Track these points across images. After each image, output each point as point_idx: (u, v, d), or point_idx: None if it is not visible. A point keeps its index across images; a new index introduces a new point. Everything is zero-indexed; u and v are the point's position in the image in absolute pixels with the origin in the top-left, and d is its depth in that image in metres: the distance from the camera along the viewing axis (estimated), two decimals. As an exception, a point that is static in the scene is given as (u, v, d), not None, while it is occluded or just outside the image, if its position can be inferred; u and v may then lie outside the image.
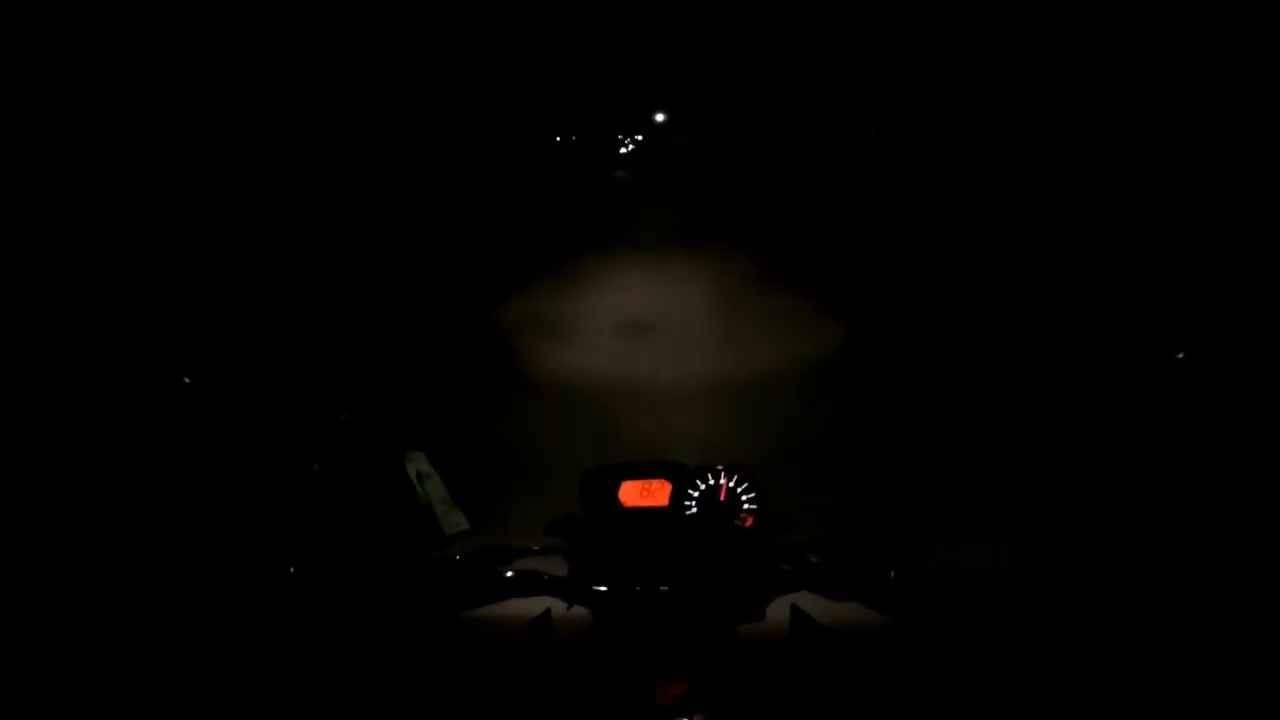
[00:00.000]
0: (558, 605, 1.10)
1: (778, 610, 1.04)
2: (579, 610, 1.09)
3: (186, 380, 1.44)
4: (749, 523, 1.22)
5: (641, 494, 1.26)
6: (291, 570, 1.00)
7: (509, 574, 1.11)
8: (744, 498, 1.25)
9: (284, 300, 3.83)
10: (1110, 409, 2.48)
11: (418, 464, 1.30)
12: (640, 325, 5.01)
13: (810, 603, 1.03)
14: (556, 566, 1.15)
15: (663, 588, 1.06)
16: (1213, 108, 2.81)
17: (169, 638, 1.09)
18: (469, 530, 1.30)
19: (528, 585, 1.11)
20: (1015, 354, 3.47)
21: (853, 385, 3.83)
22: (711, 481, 1.27)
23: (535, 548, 1.18)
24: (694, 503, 1.26)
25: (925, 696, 0.90)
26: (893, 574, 1.01)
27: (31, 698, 1.14)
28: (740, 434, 3.46)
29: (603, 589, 1.09)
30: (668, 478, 1.28)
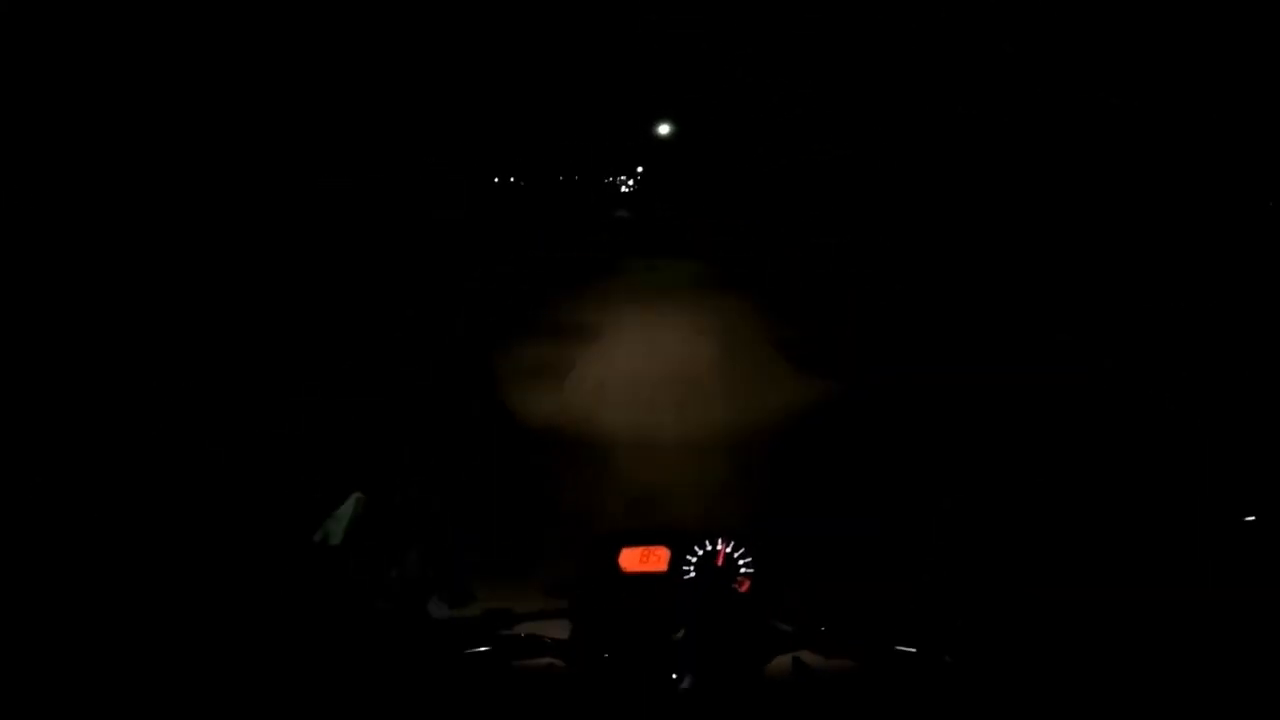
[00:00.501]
0: (559, 666, 1.11)
1: (778, 670, 1.06)
2: (581, 671, 1.10)
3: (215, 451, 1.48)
4: (745, 587, 1.25)
5: (641, 560, 1.30)
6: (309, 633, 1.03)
7: (513, 636, 1.13)
8: (741, 563, 1.29)
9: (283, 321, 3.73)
10: (1110, 409, 2.49)
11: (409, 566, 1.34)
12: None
13: (808, 662, 1.06)
14: (559, 629, 1.17)
15: (664, 651, 1.08)
16: (1213, 108, 2.93)
17: (169, 648, 1.09)
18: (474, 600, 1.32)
19: (532, 647, 1.12)
20: (1012, 355, 3.46)
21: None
22: (709, 547, 1.31)
23: (538, 610, 1.19)
24: (692, 568, 1.29)
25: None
26: (891, 640, 1.04)
27: (31, 697, 1.11)
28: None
29: (606, 653, 1.11)
30: (667, 544, 1.31)
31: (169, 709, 1.03)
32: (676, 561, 1.29)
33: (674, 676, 1.04)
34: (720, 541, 1.31)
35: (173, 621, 1.12)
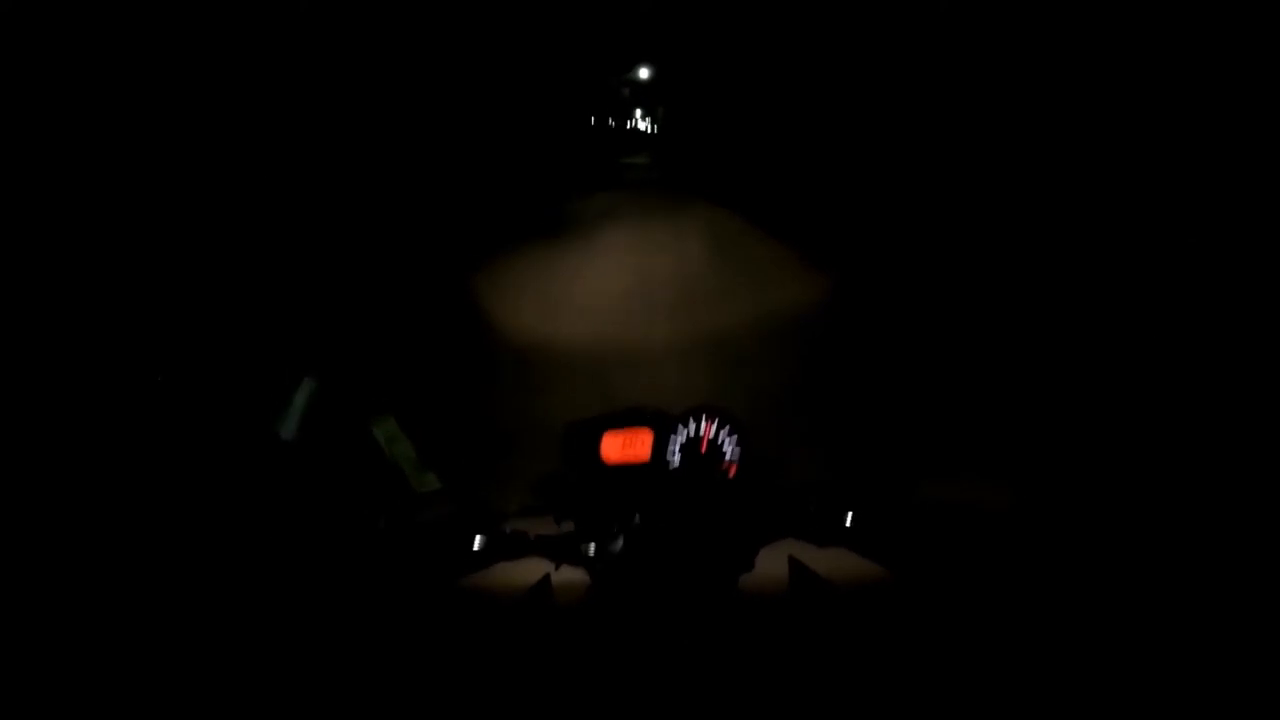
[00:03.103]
0: (546, 566, 1.09)
1: (769, 560, 1.06)
2: (569, 570, 1.09)
3: (159, 378, 1.35)
4: (732, 471, 1.22)
5: (624, 446, 1.25)
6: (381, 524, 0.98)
7: (494, 537, 1.09)
8: (726, 445, 1.25)
9: (247, 257, 3.59)
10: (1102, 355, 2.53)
11: (385, 427, 1.27)
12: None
13: (799, 551, 1.05)
14: (543, 526, 1.14)
15: (650, 543, 1.06)
16: (1213, 107, 2.78)
17: (160, 614, 1.05)
18: (441, 490, 1.27)
19: (515, 547, 1.10)
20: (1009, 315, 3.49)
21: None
22: (693, 428, 1.26)
23: (519, 508, 1.16)
24: (676, 453, 1.25)
25: (923, 642, 0.93)
26: (884, 524, 1.03)
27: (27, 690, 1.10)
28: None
29: (591, 547, 1.09)
30: (649, 425, 1.26)
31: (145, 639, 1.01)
32: (660, 447, 1.25)
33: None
34: (705, 422, 1.26)
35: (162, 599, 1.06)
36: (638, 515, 1.09)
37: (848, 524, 1.02)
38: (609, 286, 5.07)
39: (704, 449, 1.24)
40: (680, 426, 1.27)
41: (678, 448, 1.25)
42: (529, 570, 1.08)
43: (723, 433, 1.26)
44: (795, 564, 1.02)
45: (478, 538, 1.06)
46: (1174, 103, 2.97)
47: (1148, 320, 2.45)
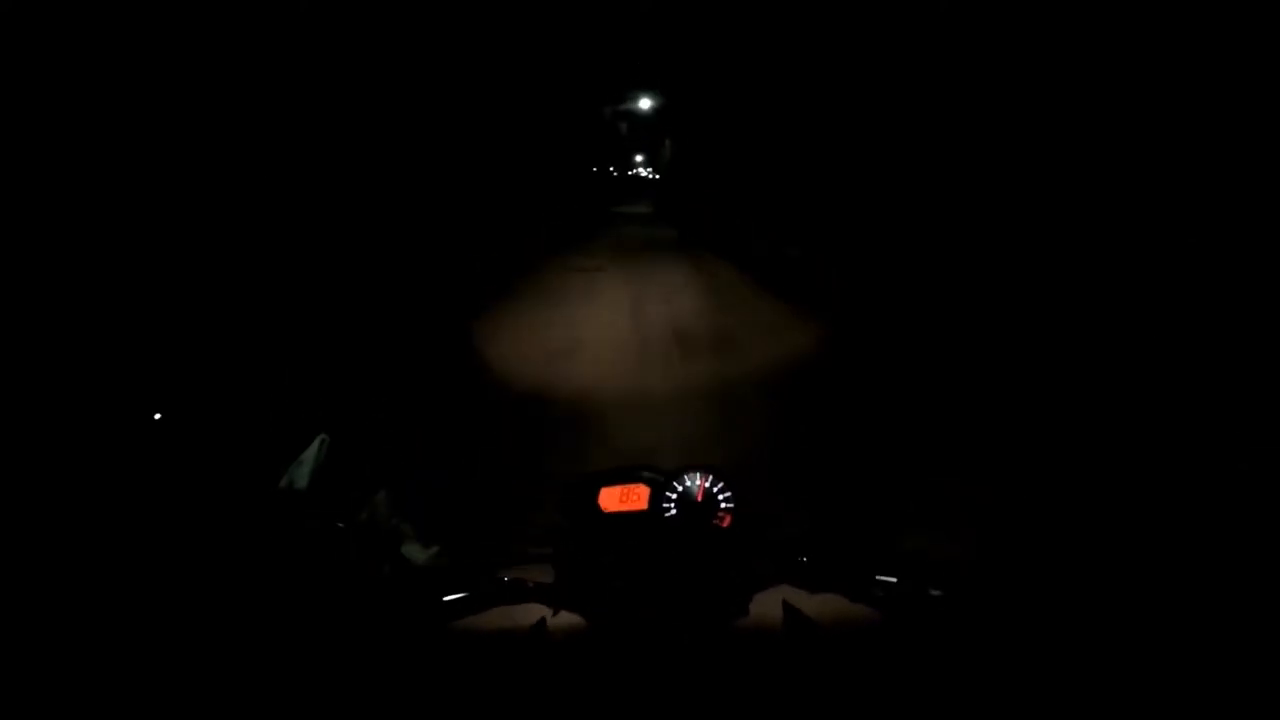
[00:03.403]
0: (545, 612, 1.11)
1: (763, 606, 1.08)
2: (566, 616, 1.11)
3: (157, 417, 1.40)
4: (726, 522, 1.25)
5: (621, 499, 1.28)
6: (277, 583, 0.99)
7: (495, 582, 1.12)
8: (721, 498, 1.28)
9: (255, 308, 3.70)
10: (1082, 408, 2.59)
11: (377, 508, 1.30)
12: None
13: (792, 597, 1.07)
14: (542, 574, 1.16)
15: (647, 591, 1.09)
16: (1213, 106, 2.93)
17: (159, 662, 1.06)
18: (443, 556, 1.30)
19: (514, 593, 1.12)
20: (991, 347, 3.58)
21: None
22: (689, 484, 1.29)
23: (519, 555, 1.18)
24: (673, 505, 1.28)
25: (913, 685, 0.94)
26: (872, 571, 1.06)
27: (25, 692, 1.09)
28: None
29: (589, 594, 1.11)
30: (646, 482, 1.30)
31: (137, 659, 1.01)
32: (656, 499, 1.28)
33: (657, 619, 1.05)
34: (699, 477, 1.30)
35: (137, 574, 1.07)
36: (635, 561, 1.12)
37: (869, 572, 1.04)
38: (606, 335, 5.16)
39: (700, 499, 1.27)
40: (676, 482, 1.31)
41: (674, 499, 1.28)
42: (527, 615, 1.09)
43: (717, 488, 1.30)
44: (789, 608, 1.05)
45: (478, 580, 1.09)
46: (1175, 104, 3.10)
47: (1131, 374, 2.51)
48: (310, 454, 1.27)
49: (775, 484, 1.50)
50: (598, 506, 1.27)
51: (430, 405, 3.64)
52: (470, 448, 3.24)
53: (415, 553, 1.31)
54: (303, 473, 1.22)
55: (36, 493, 1.47)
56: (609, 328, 5.62)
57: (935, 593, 1.00)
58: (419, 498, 1.40)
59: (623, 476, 1.30)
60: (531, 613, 1.11)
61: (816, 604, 1.05)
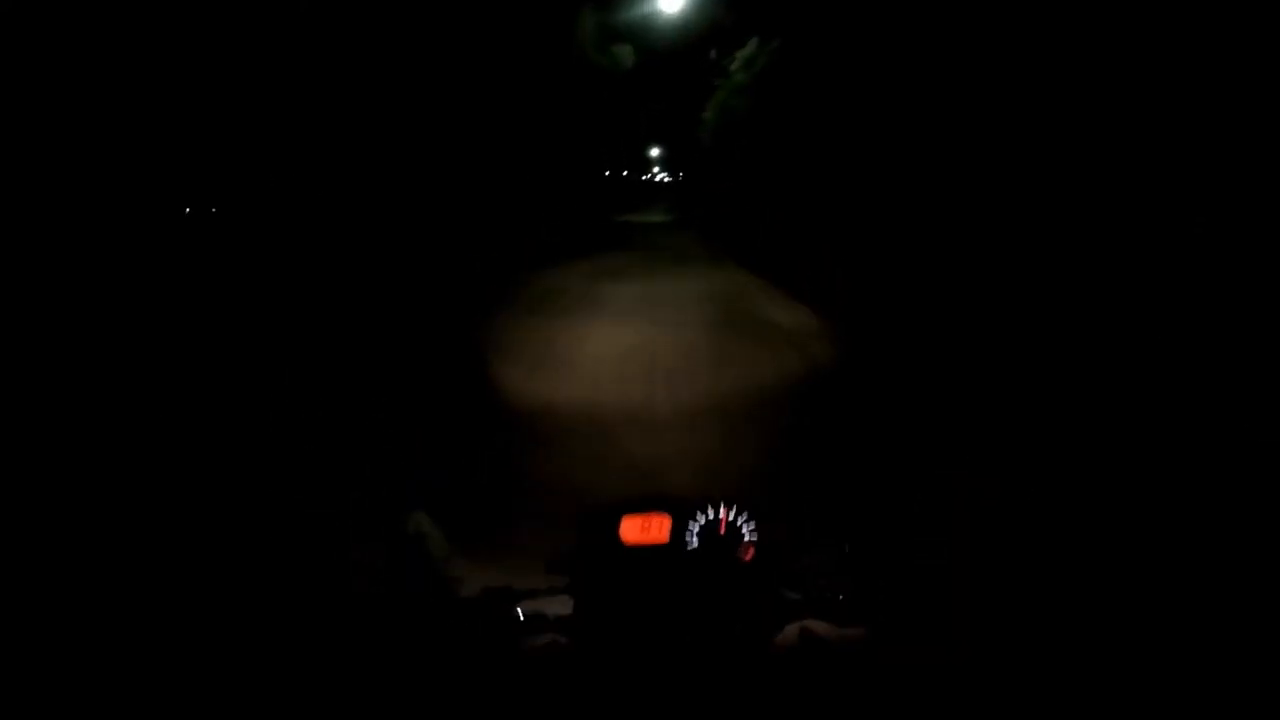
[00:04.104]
0: (564, 643, 1.09)
1: (788, 638, 1.05)
2: (586, 647, 1.08)
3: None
4: (749, 555, 1.22)
5: (642, 529, 1.26)
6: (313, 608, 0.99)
7: (515, 615, 1.10)
8: (744, 530, 1.26)
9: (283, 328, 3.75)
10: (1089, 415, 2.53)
11: (419, 522, 1.30)
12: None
13: (817, 629, 1.04)
14: (561, 605, 1.14)
15: (669, 625, 1.06)
16: (1213, 105, 2.92)
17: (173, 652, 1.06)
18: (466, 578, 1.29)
19: (535, 625, 1.10)
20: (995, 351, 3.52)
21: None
22: (711, 515, 1.27)
23: (539, 588, 1.16)
24: (695, 538, 1.26)
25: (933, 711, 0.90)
26: (898, 602, 1.03)
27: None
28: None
29: (610, 628, 1.08)
30: (667, 511, 1.28)
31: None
32: (678, 530, 1.26)
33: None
34: (722, 508, 1.27)
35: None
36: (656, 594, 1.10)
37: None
38: (613, 351, 5.02)
39: (722, 531, 1.25)
40: (699, 512, 1.29)
41: (697, 530, 1.26)
42: (546, 647, 1.07)
43: (740, 518, 1.27)
44: (814, 641, 1.01)
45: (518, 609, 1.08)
46: (1175, 108, 3.06)
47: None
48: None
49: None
50: (618, 538, 1.25)
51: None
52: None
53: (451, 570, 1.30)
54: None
55: (40, 490, 1.49)
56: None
57: (960, 626, 0.96)
58: (419, 497, 1.40)
59: (644, 505, 1.29)
60: (551, 647, 1.09)
61: (843, 636, 1.01)
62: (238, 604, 1.01)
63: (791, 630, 1.05)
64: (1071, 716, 0.82)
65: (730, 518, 1.27)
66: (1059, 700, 0.84)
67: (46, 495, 1.48)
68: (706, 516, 1.27)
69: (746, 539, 1.24)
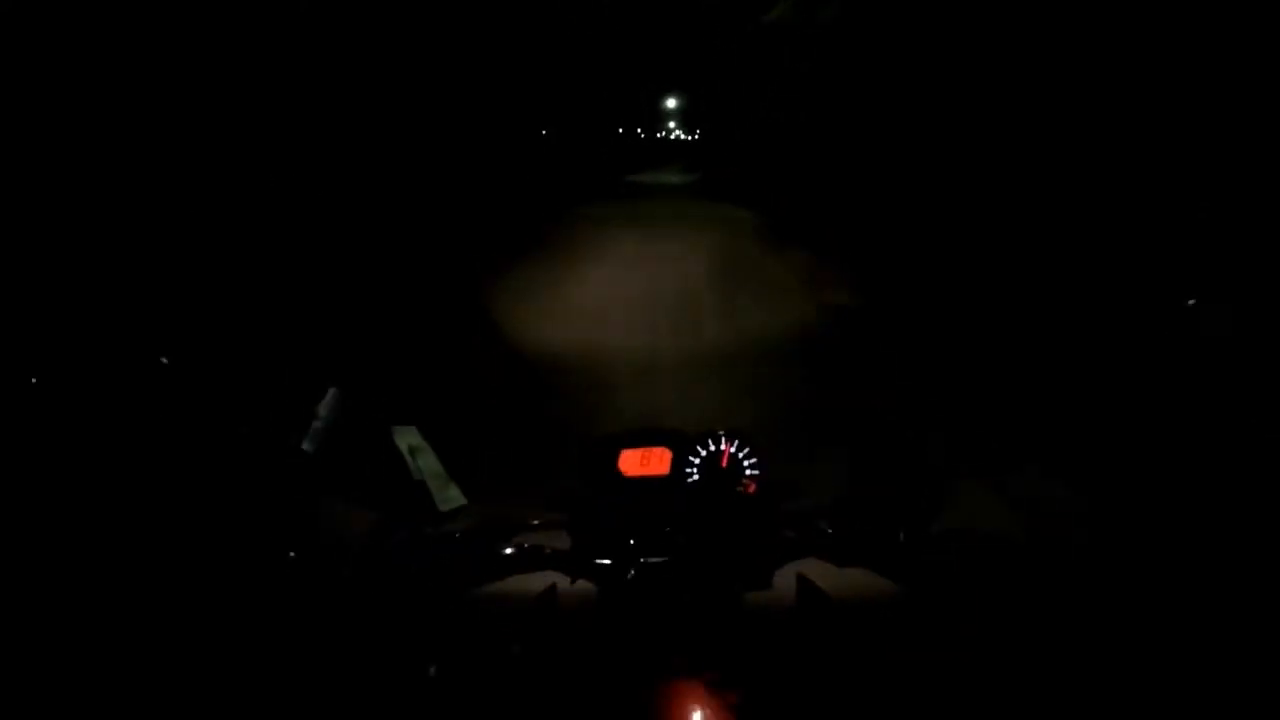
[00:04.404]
0: (561, 580, 1.09)
1: (784, 578, 1.03)
2: (584, 584, 1.08)
3: (164, 360, 1.39)
4: (751, 489, 1.20)
5: (642, 463, 1.24)
6: (291, 554, 0.98)
7: (510, 549, 1.09)
8: (746, 464, 1.23)
9: (265, 269, 3.74)
10: (1114, 380, 2.49)
11: (408, 438, 1.26)
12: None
13: (817, 569, 1.02)
14: (558, 540, 1.13)
15: (667, 558, 1.05)
16: (1214, 103, 2.79)
17: (164, 623, 1.07)
18: (464, 505, 1.27)
19: (530, 560, 1.09)
20: (1017, 320, 3.45)
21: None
22: (713, 448, 1.24)
23: (535, 521, 1.16)
24: (695, 470, 1.23)
25: (933, 665, 0.89)
26: (900, 537, 1.01)
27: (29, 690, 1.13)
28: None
29: (607, 561, 1.07)
30: (668, 445, 1.25)
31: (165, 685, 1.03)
32: (679, 463, 1.24)
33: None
34: (724, 441, 1.24)
35: (167, 607, 1.08)
36: (656, 529, 1.08)
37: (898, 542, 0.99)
38: (619, 295, 4.81)
39: (724, 464, 1.23)
40: (699, 446, 1.26)
41: (698, 464, 1.24)
42: (542, 582, 1.07)
43: (742, 452, 1.25)
44: (810, 583, 1.00)
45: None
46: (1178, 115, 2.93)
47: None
48: (322, 410, 1.23)
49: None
50: (618, 470, 1.23)
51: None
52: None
53: (446, 497, 1.27)
54: (313, 434, 1.18)
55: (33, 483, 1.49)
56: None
57: (964, 568, 0.94)
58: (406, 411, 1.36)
59: (644, 439, 1.26)
60: (547, 580, 1.08)
61: (842, 578, 1.00)
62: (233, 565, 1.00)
63: (789, 569, 1.04)
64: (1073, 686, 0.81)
65: (733, 451, 1.24)
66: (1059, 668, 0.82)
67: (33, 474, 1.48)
68: (708, 450, 1.25)
69: (748, 474, 1.22)
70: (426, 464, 1.26)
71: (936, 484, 1.01)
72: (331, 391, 1.22)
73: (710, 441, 1.25)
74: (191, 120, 3.59)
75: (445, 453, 1.19)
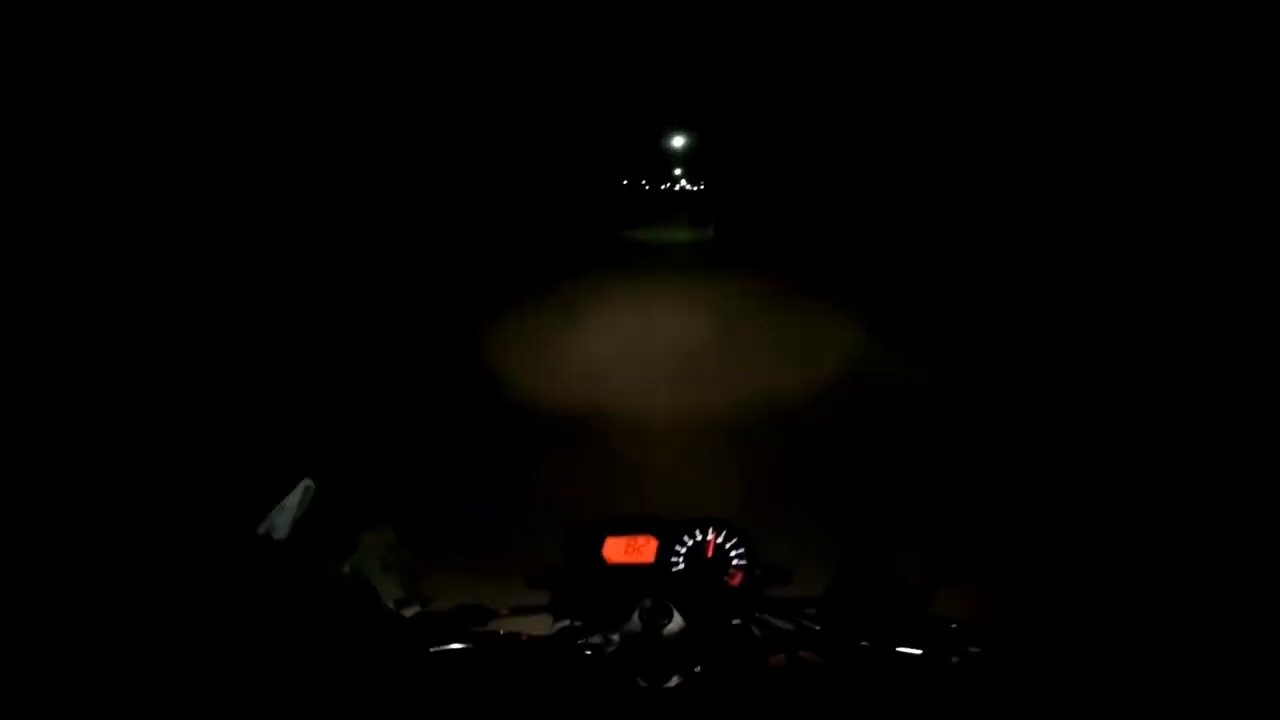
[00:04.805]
0: (539, 665, 1.04)
1: (773, 670, 1.00)
2: (563, 671, 1.03)
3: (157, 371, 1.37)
4: (737, 580, 1.18)
5: (627, 550, 1.22)
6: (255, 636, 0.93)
7: (487, 633, 1.05)
8: (733, 554, 1.21)
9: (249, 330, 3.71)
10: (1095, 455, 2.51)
11: (384, 537, 1.22)
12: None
13: (805, 662, 0.99)
14: (538, 624, 1.09)
15: (650, 647, 1.01)
16: (1214, 103, 2.95)
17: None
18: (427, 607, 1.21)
19: (507, 646, 1.05)
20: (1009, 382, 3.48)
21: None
22: (699, 537, 1.23)
23: (504, 611, 1.11)
24: (681, 559, 1.21)
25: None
26: (893, 640, 0.98)
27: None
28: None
29: (589, 653, 1.03)
30: (653, 533, 1.23)
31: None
32: (664, 552, 1.22)
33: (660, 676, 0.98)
34: (710, 531, 1.23)
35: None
36: (639, 615, 1.04)
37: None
38: (610, 354, 4.81)
39: (710, 554, 1.21)
40: (685, 535, 1.24)
41: (683, 553, 1.22)
42: (521, 668, 1.02)
43: (730, 543, 1.23)
44: (800, 675, 0.96)
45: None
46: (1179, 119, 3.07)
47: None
48: (293, 501, 1.20)
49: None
50: (602, 556, 1.20)
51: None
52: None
53: (403, 590, 1.22)
54: (283, 520, 1.15)
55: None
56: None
57: (956, 660, 0.91)
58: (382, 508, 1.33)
59: (629, 526, 1.24)
60: (526, 668, 1.03)
61: (831, 671, 0.96)
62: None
63: (776, 660, 1.00)
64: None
65: (719, 541, 1.22)
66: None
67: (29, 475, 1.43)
68: (694, 539, 1.23)
69: (735, 564, 1.20)
70: (400, 560, 1.22)
71: (931, 573, 1.00)
72: (304, 484, 1.18)
73: (697, 530, 1.23)
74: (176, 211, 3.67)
75: (425, 537, 1.16)
